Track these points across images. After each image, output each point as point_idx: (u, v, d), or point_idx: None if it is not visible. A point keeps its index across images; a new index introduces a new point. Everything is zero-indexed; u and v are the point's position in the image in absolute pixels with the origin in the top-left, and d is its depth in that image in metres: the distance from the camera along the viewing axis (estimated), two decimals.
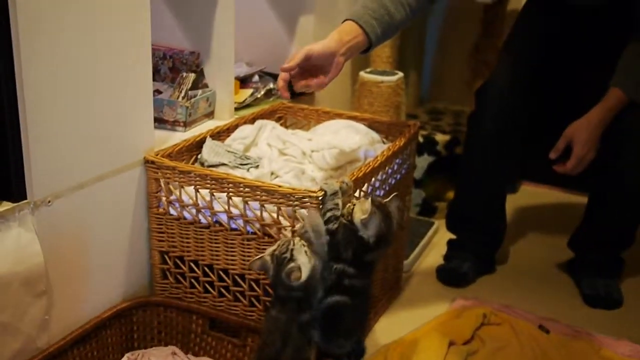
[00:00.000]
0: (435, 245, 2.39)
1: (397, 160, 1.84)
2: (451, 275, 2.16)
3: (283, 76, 1.56)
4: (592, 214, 2.13)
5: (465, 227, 2.21)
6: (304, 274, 1.32)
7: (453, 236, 2.27)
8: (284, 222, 1.49)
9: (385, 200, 1.42)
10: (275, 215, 1.49)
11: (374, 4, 1.66)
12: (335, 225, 1.39)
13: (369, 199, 1.39)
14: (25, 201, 1.35)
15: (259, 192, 1.49)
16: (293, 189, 1.47)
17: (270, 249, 1.37)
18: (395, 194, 1.42)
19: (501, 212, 2.21)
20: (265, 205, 1.49)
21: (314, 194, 1.44)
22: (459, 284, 2.14)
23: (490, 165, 2.08)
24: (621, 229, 2.09)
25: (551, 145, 1.95)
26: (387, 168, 1.77)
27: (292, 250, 1.33)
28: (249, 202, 1.51)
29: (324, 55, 1.57)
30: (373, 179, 1.70)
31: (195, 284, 1.66)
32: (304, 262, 1.33)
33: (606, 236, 2.11)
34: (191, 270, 1.65)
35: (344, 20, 1.64)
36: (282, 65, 1.56)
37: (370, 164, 1.65)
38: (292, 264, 1.32)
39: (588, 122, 1.89)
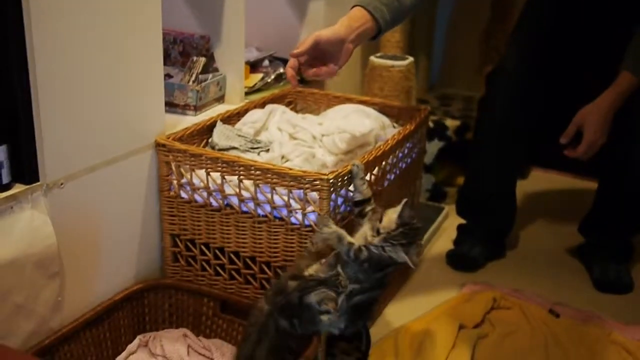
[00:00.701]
0: (445, 230, 2.40)
1: (407, 144, 1.84)
2: (461, 259, 2.16)
3: (291, 63, 1.56)
4: (602, 199, 2.13)
5: (475, 212, 2.21)
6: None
7: (463, 221, 2.27)
8: (295, 205, 1.49)
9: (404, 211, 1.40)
10: (286, 198, 1.49)
11: None
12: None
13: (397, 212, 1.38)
14: (38, 183, 1.36)
15: (269, 175, 1.49)
16: (304, 172, 1.47)
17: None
18: (406, 200, 1.39)
19: (511, 197, 2.20)
20: (276, 188, 1.50)
21: (325, 177, 1.44)
22: (469, 269, 2.14)
23: (500, 150, 2.08)
24: (631, 214, 2.08)
25: (561, 130, 1.94)
26: (397, 152, 1.77)
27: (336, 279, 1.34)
28: (260, 185, 1.51)
29: (333, 42, 1.57)
30: (384, 163, 1.70)
31: (206, 266, 1.67)
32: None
33: (616, 221, 2.11)
34: (202, 253, 1.66)
35: (353, 7, 1.63)
36: (291, 51, 1.56)
37: (381, 147, 1.65)
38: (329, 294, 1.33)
39: (598, 107, 1.88)
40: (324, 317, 1.34)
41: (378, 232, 1.37)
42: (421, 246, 1.44)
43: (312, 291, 1.33)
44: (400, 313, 1.89)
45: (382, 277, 1.41)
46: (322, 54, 1.58)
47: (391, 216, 1.38)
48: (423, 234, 1.38)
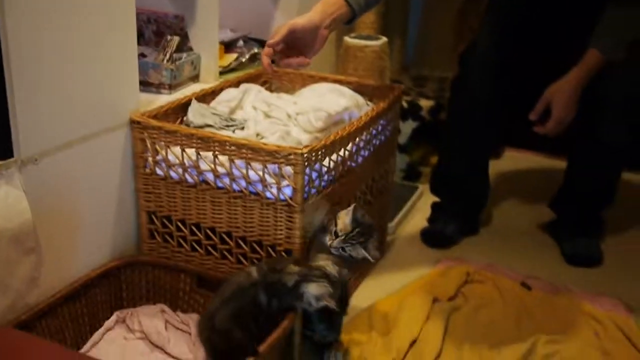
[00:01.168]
0: (420, 209, 2.43)
1: (381, 122, 1.86)
2: (435, 237, 2.20)
3: (267, 51, 1.59)
4: (572, 175, 2.17)
5: (449, 189, 2.24)
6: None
7: (437, 200, 2.30)
8: (270, 180, 1.51)
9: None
10: (261, 173, 1.51)
11: None
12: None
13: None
14: (12, 159, 1.36)
15: (244, 150, 1.51)
16: (278, 147, 1.49)
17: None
18: (354, 204, 1.53)
19: (484, 174, 2.24)
20: (251, 163, 1.51)
21: (299, 151, 1.46)
22: (443, 246, 2.18)
23: (472, 128, 2.11)
24: (600, 189, 2.13)
25: (532, 109, 1.98)
26: (371, 129, 1.79)
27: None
28: (235, 161, 1.53)
29: (308, 29, 1.60)
30: (357, 139, 1.72)
31: (183, 242, 1.68)
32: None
33: (586, 196, 2.15)
34: (178, 229, 1.67)
35: None
36: (266, 34, 1.58)
37: (355, 124, 1.67)
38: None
39: (567, 84, 1.92)
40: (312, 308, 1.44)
41: (336, 235, 1.50)
42: (377, 241, 1.57)
43: (314, 282, 1.42)
44: (375, 289, 1.91)
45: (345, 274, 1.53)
46: (297, 41, 1.61)
47: (344, 218, 1.52)
48: (376, 230, 1.54)
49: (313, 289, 1.42)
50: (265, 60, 1.59)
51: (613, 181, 2.12)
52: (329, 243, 1.50)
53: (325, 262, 1.49)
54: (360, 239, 1.50)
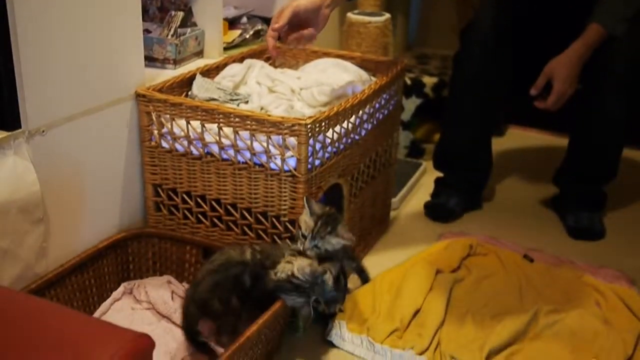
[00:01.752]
0: (423, 185, 2.44)
1: (384, 95, 1.87)
2: (438, 210, 2.21)
3: (272, 34, 1.62)
4: (574, 149, 2.18)
5: (452, 164, 2.25)
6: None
7: (440, 175, 2.31)
8: (274, 151, 1.52)
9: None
10: (265, 144, 1.52)
11: None
12: None
13: None
14: (20, 130, 1.38)
15: (249, 122, 1.52)
16: (282, 118, 1.50)
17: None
18: (305, 197, 1.52)
19: (486, 149, 2.25)
20: (256, 134, 1.53)
21: (303, 122, 1.48)
22: (446, 219, 2.19)
23: (474, 104, 2.12)
24: (602, 162, 2.14)
25: (533, 84, 1.99)
26: (374, 102, 1.81)
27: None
28: (239, 132, 1.54)
29: (310, 10, 1.65)
30: (361, 112, 1.73)
31: (188, 214, 1.70)
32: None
33: (588, 170, 2.16)
34: (184, 201, 1.69)
35: None
36: (269, 12, 1.62)
37: (358, 96, 1.68)
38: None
39: (567, 58, 1.93)
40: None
41: (304, 237, 1.47)
42: (343, 221, 1.54)
43: (287, 294, 1.44)
44: (379, 263, 1.93)
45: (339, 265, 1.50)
46: (300, 22, 1.65)
47: (304, 218, 1.49)
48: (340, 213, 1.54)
49: (288, 301, 1.44)
50: (271, 42, 1.63)
51: (615, 155, 2.13)
52: (301, 248, 1.47)
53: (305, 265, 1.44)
54: (327, 229, 1.47)
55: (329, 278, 1.43)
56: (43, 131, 1.43)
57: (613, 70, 1.94)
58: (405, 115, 2.56)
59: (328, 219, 1.49)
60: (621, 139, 2.11)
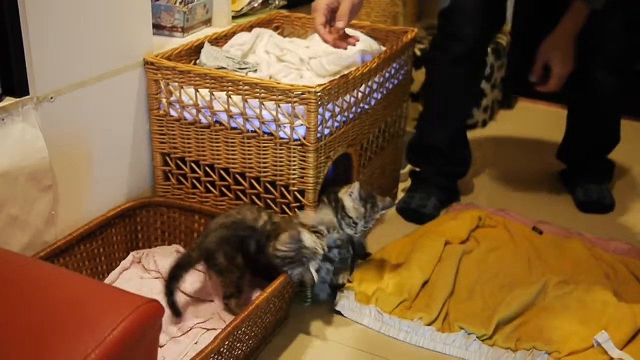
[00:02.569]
0: None
1: (394, 65, 1.85)
2: (412, 215, 2.06)
3: (326, 38, 1.62)
4: (573, 122, 2.17)
5: (428, 160, 2.13)
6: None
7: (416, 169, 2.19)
8: (283, 119, 1.51)
9: None
10: (274, 112, 1.51)
11: None
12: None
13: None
14: (28, 97, 1.37)
15: (257, 90, 1.51)
16: (292, 86, 1.49)
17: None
18: (356, 183, 1.55)
19: (463, 143, 2.15)
20: (265, 102, 1.51)
21: (313, 90, 1.46)
22: (421, 222, 2.03)
23: (446, 104, 2.05)
24: (602, 133, 2.13)
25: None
26: (384, 71, 1.79)
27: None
28: (248, 100, 1.53)
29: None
30: (370, 81, 1.72)
31: (197, 184, 1.69)
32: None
33: (590, 142, 2.15)
34: (192, 170, 1.68)
35: None
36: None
37: (368, 65, 1.67)
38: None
39: (561, 39, 1.93)
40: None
41: (355, 224, 1.55)
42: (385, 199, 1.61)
43: (283, 268, 1.45)
44: (386, 234, 1.92)
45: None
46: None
47: (353, 205, 1.54)
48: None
49: (290, 276, 1.46)
50: (329, 38, 1.62)
51: (614, 124, 2.12)
52: (353, 234, 1.57)
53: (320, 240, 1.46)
54: (374, 209, 1.56)
55: (306, 235, 1.43)
56: (51, 98, 1.42)
57: (606, 49, 1.97)
58: (415, 87, 2.54)
59: (369, 198, 1.56)
60: (618, 107, 2.10)
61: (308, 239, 1.43)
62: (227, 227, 1.50)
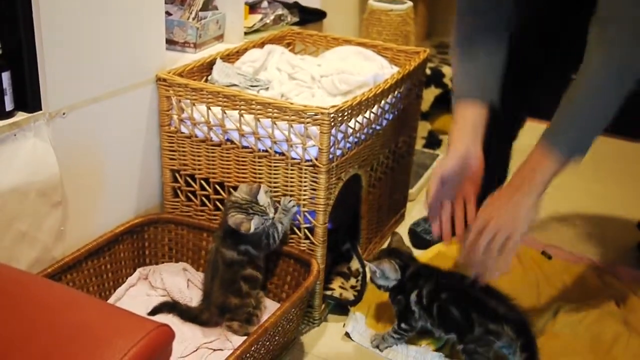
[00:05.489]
0: None
1: (406, 86, 1.84)
2: (421, 242, 1.98)
3: (444, 223, 1.43)
4: None
5: None
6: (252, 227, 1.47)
7: None
8: (295, 140, 1.50)
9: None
10: (286, 132, 1.50)
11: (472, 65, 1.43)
12: None
13: None
14: (40, 112, 1.37)
15: (270, 110, 1.50)
16: (305, 106, 1.48)
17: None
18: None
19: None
20: (277, 122, 1.50)
21: (326, 111, 1.45)
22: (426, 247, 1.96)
23: None
24: None
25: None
26: (396, 92, 1.78)
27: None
28: (260, 120, 1.52)
29: (456, 170, 1.40)
30: (383, 102, 1.71)
31: (206, 201, 1.68)
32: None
33: None
34: (202, 188, 1.67)
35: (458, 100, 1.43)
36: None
37: (381, 86, 1.66)
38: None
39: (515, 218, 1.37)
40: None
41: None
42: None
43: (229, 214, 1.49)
44: None
45: None
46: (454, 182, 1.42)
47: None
48: None
49: (230, 221, 1.48)
50: (446, 228, 1.44)
51: None
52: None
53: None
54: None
55: (262, 193, 1.50)
56: (63, 113, 1.41)
57: None
58: (424, 105, 2.53)
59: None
60: None
61: (263, 196, 1.49)
62: (214, 275, 1.54)
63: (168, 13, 1.91)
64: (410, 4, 2.45)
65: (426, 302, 1.48)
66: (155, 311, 1.52)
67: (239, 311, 1.49)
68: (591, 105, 1.32)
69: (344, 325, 1.61)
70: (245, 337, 1.32)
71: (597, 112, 1.32)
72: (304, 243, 1.59)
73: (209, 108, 1.57)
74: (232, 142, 1.58)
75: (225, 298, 1.50)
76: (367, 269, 1.48)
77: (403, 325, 1.52)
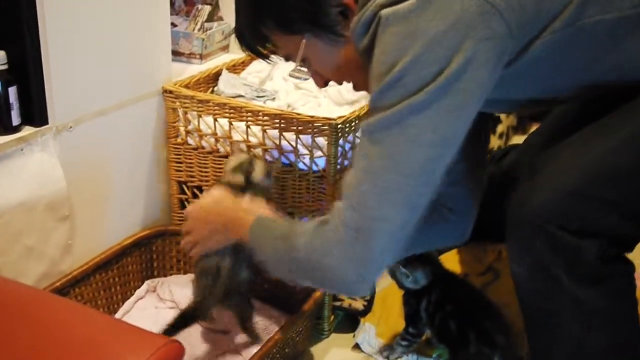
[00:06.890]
0: None
1: None
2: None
3: None
4: None
5: None
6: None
7: None
8: (303, 151, 1.50)
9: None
10: (294, 143, 1.50)
11: None
12: None
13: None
14: (47, 126, 1.37)
15: (277, 121, 1.49)
16: (312, 117, 1.47)
17: None
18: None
19: None
20: (284, 133, 1.50)
21: (333, 122, 1.45)
22: None
23: None
24: None
25: None
26: None
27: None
28: (267, 131, 1.52)
29: None
30: None
31: None
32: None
33: None
34: None
35: None
36: None
37: None
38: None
39: None
40: None
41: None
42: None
43: None
44: None
45: None
46: None
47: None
48: None
49: None
50: None
51: None
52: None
53: None
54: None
55: (258, 164, 1.41)
56: (70, 127, 1.41)
57: None
58: None
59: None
60: None
61: (259, 167, 1.40)
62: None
63: (173, 24, 1.91)
64: None
65: (431, 311, 1.46)
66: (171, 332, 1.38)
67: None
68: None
69: (354, 336, 1.60)
70: (256, 351, 1.31)
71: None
72: None
73: (215, 120, 1.56)
74: None
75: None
76: (396, 271, 1.44)
77: (411, 329, 1.50)
